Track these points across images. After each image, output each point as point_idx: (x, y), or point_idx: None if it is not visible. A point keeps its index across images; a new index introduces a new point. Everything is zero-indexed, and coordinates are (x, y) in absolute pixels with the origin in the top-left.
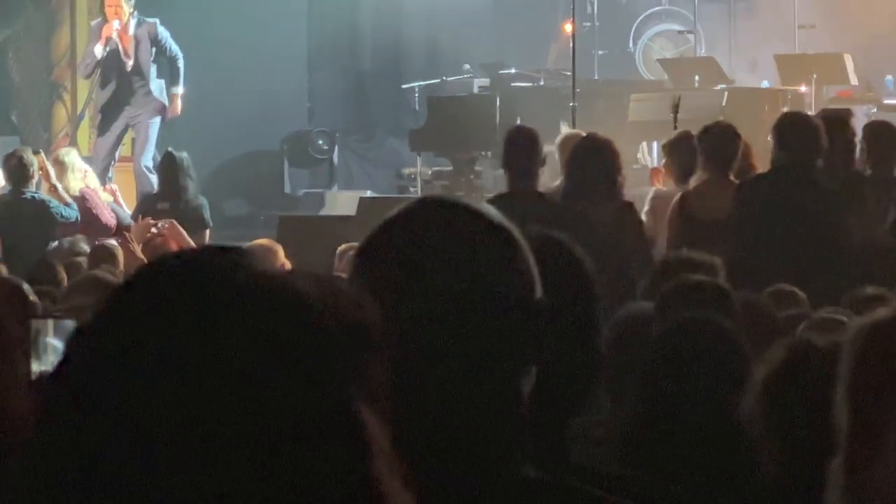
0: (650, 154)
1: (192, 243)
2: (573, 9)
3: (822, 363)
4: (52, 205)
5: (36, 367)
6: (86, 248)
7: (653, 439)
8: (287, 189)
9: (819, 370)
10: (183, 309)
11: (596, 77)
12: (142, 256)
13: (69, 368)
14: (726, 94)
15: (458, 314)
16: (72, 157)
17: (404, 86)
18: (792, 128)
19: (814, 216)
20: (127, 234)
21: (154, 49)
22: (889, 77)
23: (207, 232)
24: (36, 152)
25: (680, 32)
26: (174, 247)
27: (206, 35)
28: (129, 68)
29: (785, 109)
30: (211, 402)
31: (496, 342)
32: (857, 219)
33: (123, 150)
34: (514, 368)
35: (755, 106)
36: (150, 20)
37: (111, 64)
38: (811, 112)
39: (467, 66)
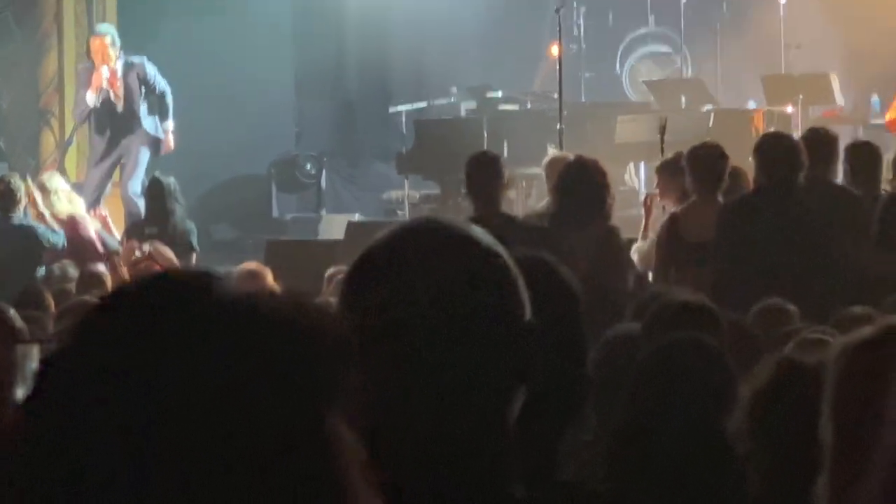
0: (637, 176)
1: (180, 266)
2: (559, 31)
3: (808, 382)
4: (39, 231)
5: (22, 393)
6: (75, 273)
7: (640, 458)
8: (275, 213)
9: (805, 389)
10: (157, 329)
11: (583, 99)
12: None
13: (48, 389)
14: (713, 115)
15: (447, 337)
16: (54, 181)
17: (391, 109)
18: (772, 148)
19: (798, 235)
20: (115, 260)
21: (144, 88)
22: (875, 97)
23: (194, 256)
24: (23, 179)
25: (666, 54)
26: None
27: (193, 61)
28: (120, 110)
29: (772, 130)
30: (187, 420)
31: (486, 364)
32: (841, 236)
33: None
34: (503, 390)
35: (742, 127)
36: (138, 60)
37: (104, 110)
38: (797, 133)
39: (454, 90)
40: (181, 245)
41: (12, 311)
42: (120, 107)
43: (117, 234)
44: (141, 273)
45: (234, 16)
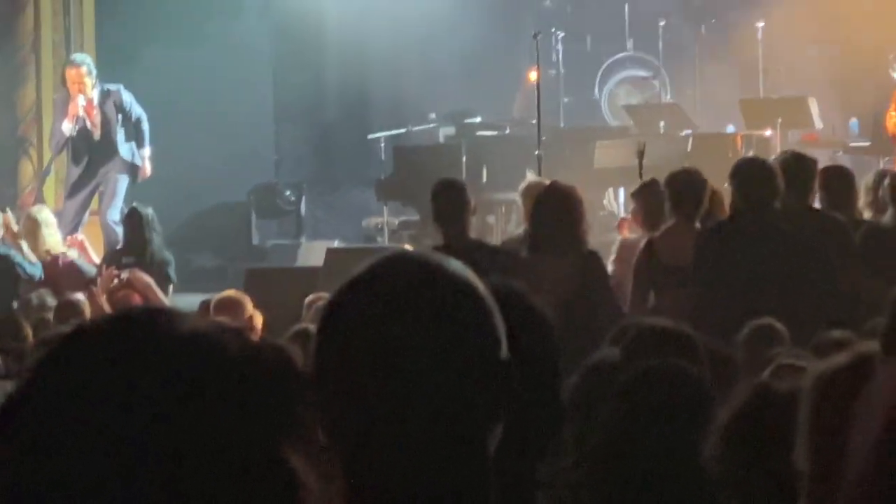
0: (616, 200)
1: (158, 293)
2: (538, 56)
3: (782, 408)
4: (16, 259)
5: None
6: (53, 302)
7: (618, 484)
8: (255, 241)
9: (779, 415)
10: (108, 369)
11: (562, 124)
12: (108, 309)
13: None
14: (692, 139)
15: (423, 374)
16: (44, 213)
17: (370, 136)
18: (748, 173)
19: (776, 259)
20: (93, 288)
21: (120, 116)
22: (854, 120)
23: (171, 287)
24: (1, 209)
25: (645, 78)
26: (138, 298)
27: (173, 89)
28: (97, 138)
29: (751, 154)
30: (138, 459)
31: (462, 401)
32: (822, 261)
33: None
34: (480, 426)
35: (720, 151)
36: (114, 88)
37: (81, 138)
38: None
39: (433, 116)
40: (158, 276)
41: None
42: (97, 135)
43: (97, 259)
44: (120, 302)
45: (214, 44)
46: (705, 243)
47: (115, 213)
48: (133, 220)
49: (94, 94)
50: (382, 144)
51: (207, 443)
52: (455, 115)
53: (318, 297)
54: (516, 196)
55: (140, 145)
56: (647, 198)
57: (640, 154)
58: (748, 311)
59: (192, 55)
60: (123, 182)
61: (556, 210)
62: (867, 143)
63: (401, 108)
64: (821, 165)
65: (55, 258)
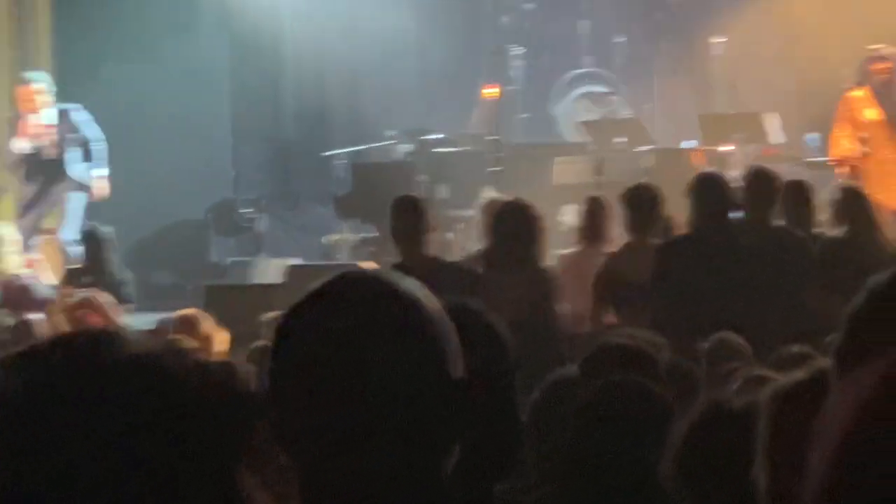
0: (575, 216)
1: (116, 312)
2: (496, 72)
3: (737, 424)
4: None
5: None
6: (11, 322)
7: (579, 502)
8: (213, 258)
9: (736, 430)
10: (55, 392)
11: (519, 140)
12: (65, 329)
13: None
14: (650, 155)
15: (378, 394)
16: (3, 232)
17: (328, 153)
18: (704, 188)
19: (733, 274)
20: (51, 308)
21: (75, 135)
22: (811, 135)
23: (130, 307)
24: None
25: (603, 94)
26: (96, 318)
27: (130, 107)
28: (51, 158)
29: (705, 170)
30: (76, 484)
31: (417, 422)
32: (781, 275)
33: (48, 221)
34: (436, 448)
35: (679, 167)
36: (72, 107)
37: (35, 158)
38: (735, 171)
39: (391, 133)
40: (116, 296)
41: None
42: (51, 154)
43: (54, 279)
44: (78, 322)
45: (171, 61)
46: (663, 258)
47: (72, 233)
48: (91, 240)
49: (50, 114)
50: (341, 161)
51: (150, 467)
52: (413, 132)
53: (278, 315)
54: (475, 212)
55: (95, 165)
56: (587, 213)
57: (598, 170)
58: (706, 325)
59: (150, 72)
60: (79, 201)
61: (513, 227)
62: (825, 159)
63: (359, 124)
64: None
65: (13, 278)
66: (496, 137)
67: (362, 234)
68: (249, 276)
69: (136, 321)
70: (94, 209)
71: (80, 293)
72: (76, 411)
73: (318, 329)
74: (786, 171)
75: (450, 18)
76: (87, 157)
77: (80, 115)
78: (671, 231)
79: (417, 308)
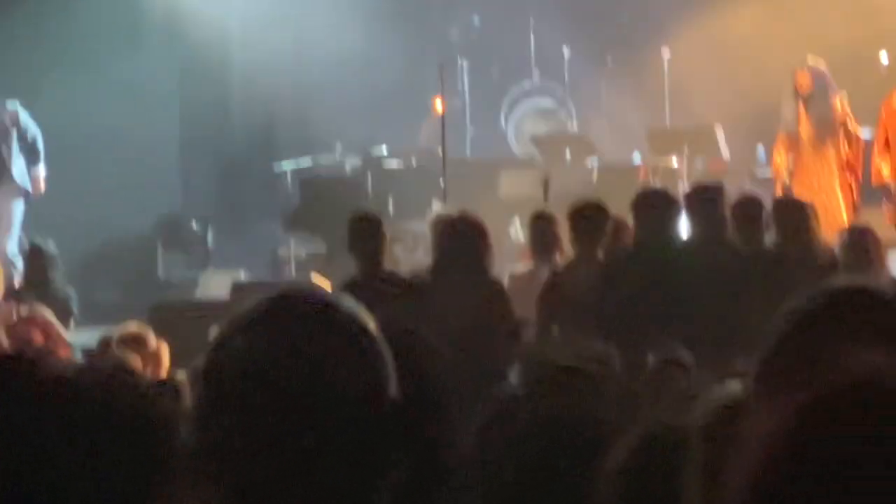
0: (523, 231)
1: (59, 328)
2: (442, 87)
3: (676, 443)
4: None
5: None
6: None
7: None
8: (160, 273)
9: (672, 450)
10: None
11: (468, 155)
12: (5, 343)
13: None
14: (597, 169)
15: (312, 419)
16: None
17: (276, 167)
18: (648, 204)
19: (676, 290)
20: None
21: (15, 134)
22: (760, 147)
23: (72, 323)
24: None
25: (551, 108)
26: (38, 334)
27: (77, 120)
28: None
29: (656, 184)
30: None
31: (351, 447)
32: (724, 291)
33: None
34: (371, 471)
35: (627, 180)
36: (10, 107)
37: None
38: (683, 184)
39: (339, 147)
40: (60, 311)
41: None
42: None
43: None
44: (18, 337)
45: (118, 75)
46: (607, 274)
47: (12, 244)
48: (34, 255)
49: None
50: (289, 176)
51: (66, 489)
52: (361, 146)
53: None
54: (423, 226)
55: (34, 163)
56: (536, 230)
57: (546, 184)
58: (650, 341)
59: (96, 86)
60: (18, 210)
61: (461, 241)
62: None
63: (307, 139)
64: (728, 194)
65: None
66: (439, 151)
67: (310, 249)
68: (196, 292)
69: (79, 338)
70: (38, 223)
71: (23, 309)
72: None
73: (252, 350)
74: (735, 185)
75: (398, 33)
76: (26, 157)
77: (22, 115)
78: (622, 244)
79: (354, 328)
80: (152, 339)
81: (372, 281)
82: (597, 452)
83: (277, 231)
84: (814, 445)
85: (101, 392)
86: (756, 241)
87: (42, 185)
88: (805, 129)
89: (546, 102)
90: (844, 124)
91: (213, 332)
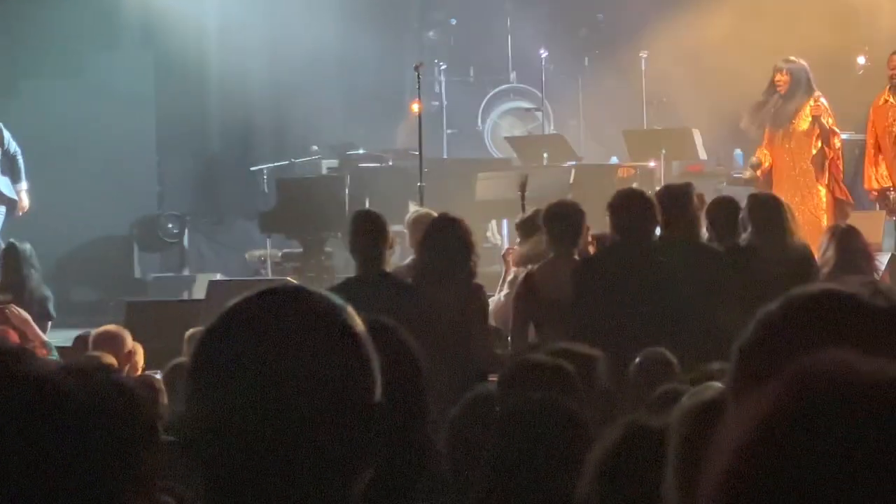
0: (500, 233)
1: (36, 328)
2: (419, 88)
3: (654, 444)
4: None
5: None
6: None
7: None
8: (137, 274)
9: (651, 450)
10: None
11: (445, 156)
12: None
13: None
14: (574, 171)
15: (294, 417)
16: None
17: (253, 168)
18: (625, 205)
19: (652, 291)
20: None
21: (4, 149)
22: (738, 151)
23: (49, 324)
24: None
25: (528, 110)
26: (13, 335)
27: (53, 121)
28: None
29: (634, 185)
30: None
31: (331, 446)
32: (698, 292)
33: None
34: (348, 471)
35: (604, 182)
36: None
37: None
38: (661, 186)
39: (315, 148)
40: (37, 312)
41: None
42: None
43: None
44: None
45: (95, 76)
46: (582, 276)
47: None
48: (10, 256)
49: None
50: (265, 176)
51: (38, 485)
52: (338, 147)
53: (199, 332)
54: (400, 227)
55: (17, 180)
56: (530, 228)
57: (522, 186)
58: (625, 343)
59: (73, 88)
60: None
61: (446, 241)
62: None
63: (284, 140)
64: (704, 196)
65: None
66: (416, 152)
67: (286, 250)
68: (172, 292)
69: (56, 337)
70: (15, 224)
71: None
72: None
73: (237, 346)
74: (712, 188)
75: (375, 34)
76: (8, 172)
77: (5, 132)
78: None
79: (340, 327)
80: (128, 340)
81: (371, 281)
82: (570, 448)
83: (254, 231)
84: (788, 441)
85: (82, 388)
86: (733, 242)
87: (26, 202)
88: (784, 126)
89: (523, 104)
90: (818, 118)
91: (191, 332)
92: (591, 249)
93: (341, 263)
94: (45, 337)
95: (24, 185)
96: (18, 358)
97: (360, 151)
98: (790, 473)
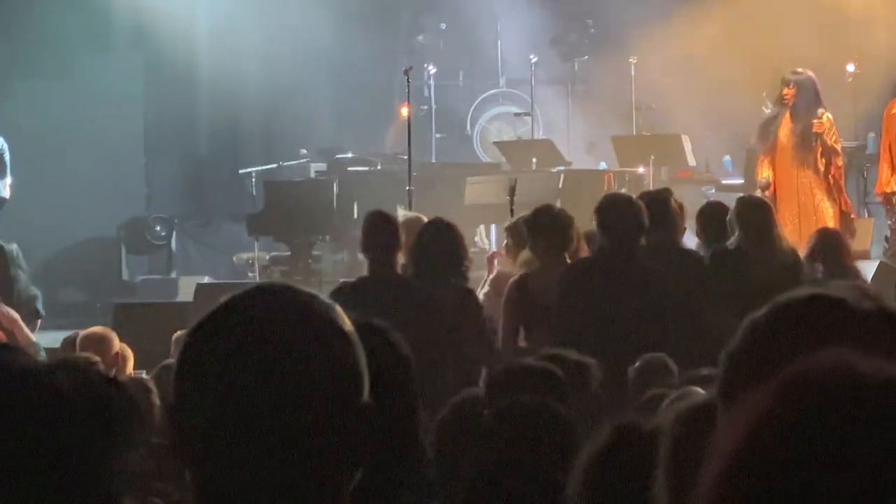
0: (488, 237)
1: (25, 329)
2: (408, 92)
3: (644, 446)
4: None
5: None
6: None
7: None
8: (125, 276)
9: (641, 453)
10: None
11: (434, 160)
12: None
13: None
14: (563, 176)
15: (282, 417)
16: None
17: (241, 171)
18: (612, 209)
19: (637, 297)
20: None
21: None
22: (727, 157)
23: (39, 322)
24: None
25: (517, 115)
26: (1, 334)
27: (42, 123)
28: None
29: (612, 191)
30: None
31: (320, 447)
32: (682, 297)
33: None
34: (338, 471)
35: (592, 188)
36: None
37: None
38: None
39: (304, 151)
40: (26, 311)
41: None
42: None
43: None
44: None
45: (84, 77)
46: (568, 280)
47: None
48: None
49: None
50: (254, 179)
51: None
52: (326, 151)
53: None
54: None
55: (2, 176)
56: (521, 234)
57: (511, 191)
58: (611, 348)
59: (63, 89)
60: None
61: (439, 244)
62: (740, 181)
63: (273, 143)
64: (692, 202)
65: None
66: (405, 156)
67: (274, 253)
68: (160, 295)
69: (42, 339)
70: (3, 224)
71: None
72: None
73: (224, 345)
74: (701, 195)
75: (365, 38)
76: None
77: None
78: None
79: (328, 326)
80: (116, 342)
81: (382, 281)
82: (558, 451)
83: (242, 234)
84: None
85: (72, 382)
86: (720, 244)
87: (7, 193)
88: (788, 140)
89: (513, 109)
90: (820, 135)
91: (179, 334)
92: (586, 249)
93: (328, 266)
94: (33, 338)
95: (7, 179)
96: (7, 353)
97: (349, 155)
98: (790, 475)
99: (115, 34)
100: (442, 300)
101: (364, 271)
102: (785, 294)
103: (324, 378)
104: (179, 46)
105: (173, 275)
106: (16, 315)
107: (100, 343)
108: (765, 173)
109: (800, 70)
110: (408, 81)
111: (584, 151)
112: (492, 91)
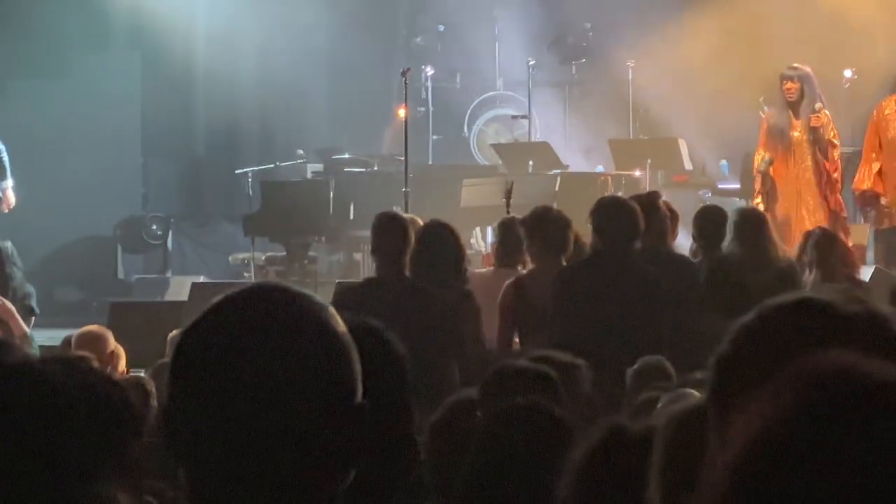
0: (484, 240)
1: (20, 321)
2: (406, 93)
3: (636, 448)
4: None
5: None
6: None
7: None
8: (120, 275)
9: (632, 455)
10: None
11: (430, 162)
12: None
13: None
14: (559, 179)
15: (275, 416)
16: None
17: (238, 171)
18: (607, 212)
19: (632, 300)
20: None
21: None
22: (724, 161)
23: (33, 320)
24: None
25: (514, 117)
26: None
27: (40, 122)
28: None
29: (608, 194)
30: None
31: (314, 447)
32: (674, 301)
33: None
34: (331, 472)
35: (589, 191)
36: None
37: None
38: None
39: (301, 152)
40: (21, 309)
41: None
42: None
43: None
44: None
45: (81, 76)
46: (563, 282)
47: None
48: None
49: None
50: (250, 179)
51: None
52: (323, 152)
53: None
54: None
55: (1, 178)
56: (504, 234)
57: (508, 193)
58: (604, 351)
59: (60, 88)
60: None
61: (438, 246)
62: (737, 185)
63: (269, 143)
64: (689, 206)
65: None
66: (402, 157)
67: (270, 253)
68: (156, 294)
69: (38, 337)
70: (0, 223)
71: None
72: None
73: (218, 344)
74: (697, 198)
75: (363, 39)
76: None
77: None
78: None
79: (321, 326)
80: (111, 341)
81: (390, 282)
82: (552, 451)
83: (238, 234)
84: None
85: (68, 376)
86: (715, 251)
87: (11, 199)
88: (802, 136)
89: (510, 111)
90: (816, 129)
91: (174, 334)
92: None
93: (324, 267)
94: (28, 330)
95: (9, 182)
96: (3, 350)
97: (346, 156)
98: (799, 475)
99: (112, 34)
100: (441, 302)
101: (360, 272)
102: (772, 298)
103: (317, 378)
104: (177, 46)
105: (169, 274)
106: (11, 306)
107: (95, 342)
108: (764, 155)
109: (797, 65)
110: (405, 83)
111: (581, 154)
112: (489, 93)
